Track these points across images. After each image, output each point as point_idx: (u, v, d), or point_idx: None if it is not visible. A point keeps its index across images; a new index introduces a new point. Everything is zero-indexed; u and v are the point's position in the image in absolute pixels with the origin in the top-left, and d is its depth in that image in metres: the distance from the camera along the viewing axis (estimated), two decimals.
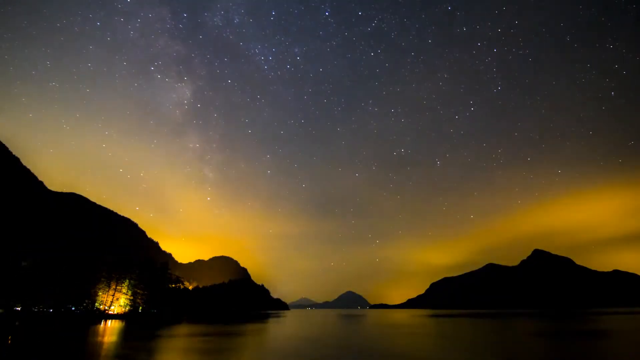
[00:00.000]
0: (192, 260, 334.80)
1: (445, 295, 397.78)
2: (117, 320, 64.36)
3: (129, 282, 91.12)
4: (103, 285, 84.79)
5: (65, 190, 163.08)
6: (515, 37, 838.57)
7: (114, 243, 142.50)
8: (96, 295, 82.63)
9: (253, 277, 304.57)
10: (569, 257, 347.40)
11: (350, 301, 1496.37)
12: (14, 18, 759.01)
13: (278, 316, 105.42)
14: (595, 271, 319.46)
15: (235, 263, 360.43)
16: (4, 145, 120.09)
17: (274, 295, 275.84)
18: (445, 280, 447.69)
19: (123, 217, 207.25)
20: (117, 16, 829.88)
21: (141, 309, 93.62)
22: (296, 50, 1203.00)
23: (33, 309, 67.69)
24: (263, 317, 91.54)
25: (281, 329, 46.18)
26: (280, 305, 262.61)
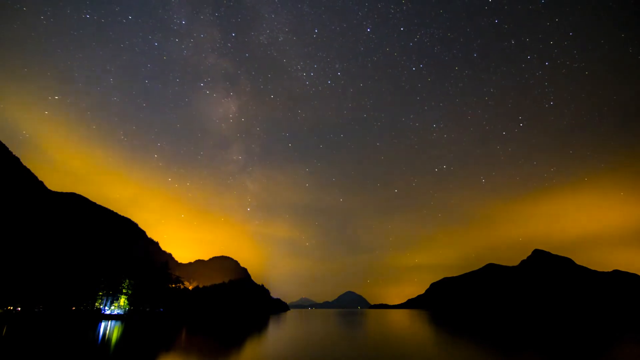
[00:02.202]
0: (192, 260, 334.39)
1: (445, 295, 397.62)
2: (116, 320, 64.29)
3: (129, 282, 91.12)
4: (103, 285, 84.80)
5: (67, 190, 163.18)
6: (569, 49, 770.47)
7: (114, 243, 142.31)
8: (96, 295, 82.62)
9: (253, 277, 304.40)
10: (569, 257, 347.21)
11: (350, 301, 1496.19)
12: (85, 40, 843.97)
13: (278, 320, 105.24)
14: (595, 271, 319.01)
15: (235, 263, 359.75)
16: (4, 145, 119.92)
17: (274, 295, 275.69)
18: (445, 280, 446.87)
19: (123, 217, 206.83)
20: (172, 37, 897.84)
21: (141, 309, 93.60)
22: (337, 65, 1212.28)
23: (33, 309, 67.65)
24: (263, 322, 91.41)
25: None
26: (281, 305, 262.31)
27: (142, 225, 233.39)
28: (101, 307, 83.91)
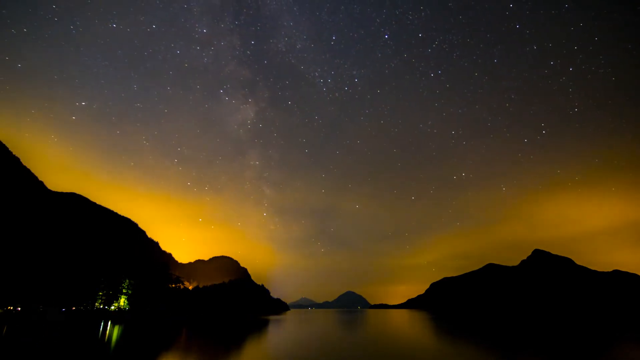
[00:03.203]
0: (192, 260, 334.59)
1: (445, 295, 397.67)
2: (116, 320, 64.26)
3: (129, 282, 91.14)
4: (103, 285, 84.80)
5: (66, 190, 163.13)
6: (594, 54, 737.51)
7: (114, 243, 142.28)
8: (96, 295, 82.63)
9: (253, 277, 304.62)
10: (569, 257, 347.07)
11: (350, 301, 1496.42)
12: (111, 48, 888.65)
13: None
14: (595, 271, 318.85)
15: (235, 263, 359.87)
16: (3, 145, 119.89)
17: (274, 295, 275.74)
18: (445, 280, 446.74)
19: (123, 217, 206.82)
20: (194, 45, 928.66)
21: (141, 309, 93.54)
22: (354, 72, 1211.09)
23: (33, 309, 67.65)
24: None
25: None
26: (281, 306, 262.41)
27: (142, 225, 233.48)
28: (101, 306, 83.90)
